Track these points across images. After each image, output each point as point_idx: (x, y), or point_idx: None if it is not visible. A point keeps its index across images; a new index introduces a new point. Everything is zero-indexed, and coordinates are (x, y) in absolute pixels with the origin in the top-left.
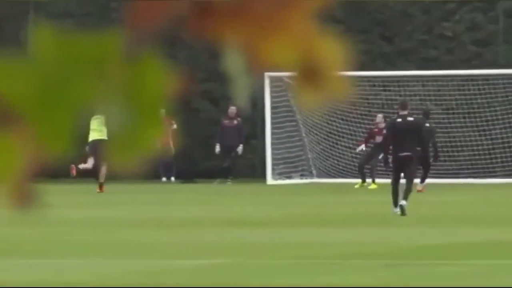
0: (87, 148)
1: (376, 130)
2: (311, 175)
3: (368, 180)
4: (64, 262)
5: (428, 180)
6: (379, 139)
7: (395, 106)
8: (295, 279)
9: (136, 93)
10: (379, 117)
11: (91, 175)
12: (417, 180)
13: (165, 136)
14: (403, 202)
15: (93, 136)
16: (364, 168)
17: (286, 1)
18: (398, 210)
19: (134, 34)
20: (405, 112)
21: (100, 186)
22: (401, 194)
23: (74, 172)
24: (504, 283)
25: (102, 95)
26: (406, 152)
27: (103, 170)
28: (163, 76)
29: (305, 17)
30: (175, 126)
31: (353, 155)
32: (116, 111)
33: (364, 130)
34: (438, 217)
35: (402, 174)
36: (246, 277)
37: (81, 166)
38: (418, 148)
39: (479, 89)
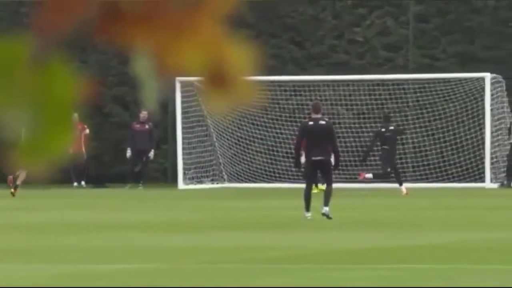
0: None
1: None
2: (222, 179)
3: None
4: None
5: (341, 185)
6: None
7: (306, 111)
8: (208, 283)
9: (44, 98)
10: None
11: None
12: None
13: (77, 141)
14: (325, 209)
15: None
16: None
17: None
18: (310, 214)
19: (42, 39)
20: (318, 116)
21: (15, 188)
22: (313, 200)
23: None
24: None
25: (10, 100)
26: (319, 156)
27: (23, 174)
28: (72, 81)
29: (213, 22)
30: (87, 131)
31: (264, 159)
32: (24, 116)
33: (275, 135)
34: (351, 222)
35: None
36: (160, 282)
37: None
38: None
39: (390, 94)
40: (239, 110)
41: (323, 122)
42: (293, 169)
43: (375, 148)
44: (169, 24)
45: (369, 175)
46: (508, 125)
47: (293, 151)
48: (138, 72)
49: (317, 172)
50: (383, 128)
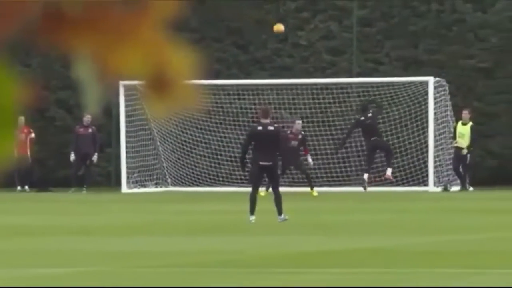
0: None
1: (291, 136)
2: (165, 183)
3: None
4: None
5: (283, 189)
6: (294, 143)
7: (250, 115)
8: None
9: None
10: (298, 123)
11: None
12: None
13: (22, 145)
14: (280, 218)
15: None
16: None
17: (135, 11)
18: (254, 218)
19: None
20: (267, 121)
21: None
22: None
23: None
24: None
25: None
26: (267, 161)
27: None
28: (14, 84)
29: (155, 27)
30: (33, 135)
31: (208, 163)
32: None
33: (218, 139)
34: (297, 225)
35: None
36: (100, 285)
37: None
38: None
39: (333, 98)
40: (182, 114)
41: (271, 128)
42: (237, 172)
43: (353, 140)
44: (111, 28)
45: (389, 172)
46: (452, 129)
47: (238, 154)
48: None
49: (263, 177)
50: (362, 117)
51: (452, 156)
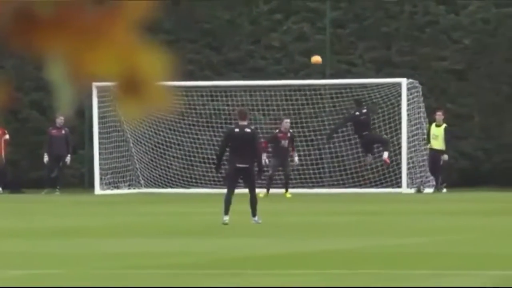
0: None
1: (281, 135)
2: (139, 185)
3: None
4: None
5: (260, 190)
6: (284, 143)
7: (223, 116)
8: None
9: None
10: (286, 121)
11: None
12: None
13: None
14: (254, 219)
15: None
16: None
17: (108, 13)
18: (227, 218)
19: None
20: (244, 123)
21: None
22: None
23: None
24: None
25: None
26: (243, 163)
27: None
28: None
29: (127, 29)
30: (7, 136)
31: (181, 165)
32: None
33: (191, 140)
34: (269, 227)
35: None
36: (75, 287)
37: None
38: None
39: (306, 99)
40: (155, 115)
41: (248, 130)
42: (210, 174)
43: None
44: (83, 29)
45: (386, 156)
46: (425, 131)
47: (212, 156)
48: (53, 78)
49: (239, 179)
50: (357, 112)
51: (425, 157)
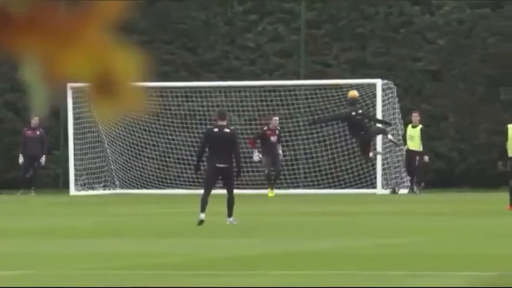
0: None
1: (269, 132)
2: (114, 186)
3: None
4: None
5: (236, 191)
6: (273, 140)
7: (198, 117)
8: None
9: None
10: (275, 119)
11: None
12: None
13: None
14: (229, 220)
15: None
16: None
17: (81, 14)
18: (203, 215)
19: None
20: (223, 123)
21: None
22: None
23: None
24: None
25: None
26: (222, 163)
27: None
28: None
29: (101, 29)
30: None
31: (156, 166)
32: None
33: (166, 141)
34: (240, 228)
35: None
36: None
37: None
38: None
39: (281, 100)
40: (130, 116)
41: (227, 130)
42: (185, 174)
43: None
44: (57, 29)
45: (391, 136)
46: (400, 132)
47: (187, 157)
48: (28, 78)
49: (217, 179)
50: (353, 112)
51: (400, 158)
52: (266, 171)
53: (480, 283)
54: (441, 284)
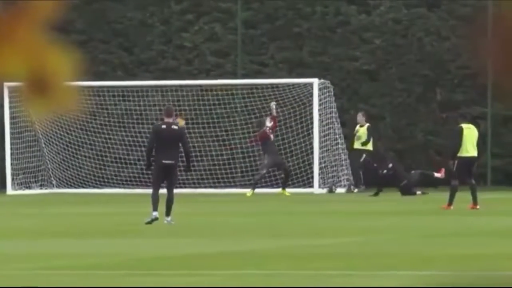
0: None
1: (270, 131)
2: (51, 185)
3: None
4: None
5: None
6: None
7: (135, 116)
8: None
9: None
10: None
11: None
12: None
13: None
14: (167, 219)
15: None
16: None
17: (13, 13)
18: (157, 213)
19: None
20: (170, 120)
21: None
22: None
23: None
24: None
25: None
26: (169, 160)
27: None
28: None
29: (34, 29)
30: None
31: (93, 165)
32: None
33: (103, 140)
34: (178, 227)
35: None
36: None
37: None
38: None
39: (218, 100)
40: (66, 115)
41: (175, 127)
42: (122, 174)
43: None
44: None
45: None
46: (337, 131)
47: (124, 156)
48: None
49: (165, 176)
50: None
51: (337, 157)
52: (264, 171)
53: (416, 283)
54: (376, 284)
